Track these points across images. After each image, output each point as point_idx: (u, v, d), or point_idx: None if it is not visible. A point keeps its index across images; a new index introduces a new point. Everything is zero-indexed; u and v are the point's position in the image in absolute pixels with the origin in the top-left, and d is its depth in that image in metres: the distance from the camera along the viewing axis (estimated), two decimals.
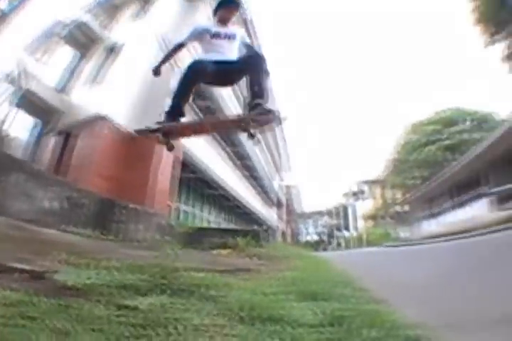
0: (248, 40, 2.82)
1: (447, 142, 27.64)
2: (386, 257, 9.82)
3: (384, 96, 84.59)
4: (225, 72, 2.37)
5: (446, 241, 11.38)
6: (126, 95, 7.03)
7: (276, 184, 27.45)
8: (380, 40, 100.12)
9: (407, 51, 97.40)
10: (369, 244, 32.23)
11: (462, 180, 16.40)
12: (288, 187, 35.19)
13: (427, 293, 2.42)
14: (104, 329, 1.04)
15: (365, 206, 40.93)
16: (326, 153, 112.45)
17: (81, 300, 1.29)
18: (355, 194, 42.13)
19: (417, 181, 28.94)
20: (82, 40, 8.79)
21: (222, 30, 2.50)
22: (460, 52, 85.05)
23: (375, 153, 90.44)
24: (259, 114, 2.12)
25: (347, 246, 40.35)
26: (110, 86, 7.34)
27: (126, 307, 1.28)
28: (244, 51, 2.58)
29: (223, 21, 2.54)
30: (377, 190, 42.07)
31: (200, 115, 8.36)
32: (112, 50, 8.47)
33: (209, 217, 12.83)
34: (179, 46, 2.57)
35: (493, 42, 14.74)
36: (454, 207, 16.79)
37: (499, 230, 8.77)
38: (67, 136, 6.97)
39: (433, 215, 19.42)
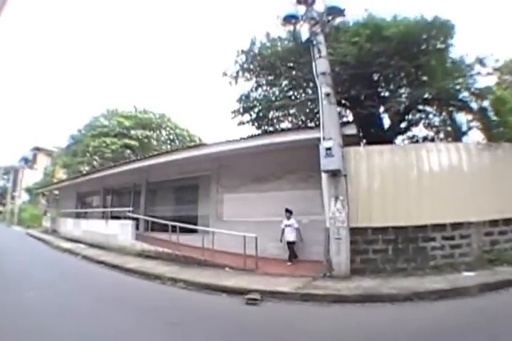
0: None
1: (129, 141, 23.88)
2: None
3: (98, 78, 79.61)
4: None
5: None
6: None
7: None
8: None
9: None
10: (20, 222, 29.75)
11: (113, 189, 14.82)
12: None
13: None
14: None
15: (32, 177, 34.94)
16: (19, 107, 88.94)
17: None
18: (22, 160, 36.02)
19: (86, 168, 24.81)
20: None
21: None
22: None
23: (59, 125, 77.25)
24: None
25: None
26: None
27: None
28: None
29: None
30: (44, 162, 35.79)
31: None
32: None
33: None
34: None
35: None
36: (94, 215, 14.44)
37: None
38: None
39: (79, 214, 16.24)
